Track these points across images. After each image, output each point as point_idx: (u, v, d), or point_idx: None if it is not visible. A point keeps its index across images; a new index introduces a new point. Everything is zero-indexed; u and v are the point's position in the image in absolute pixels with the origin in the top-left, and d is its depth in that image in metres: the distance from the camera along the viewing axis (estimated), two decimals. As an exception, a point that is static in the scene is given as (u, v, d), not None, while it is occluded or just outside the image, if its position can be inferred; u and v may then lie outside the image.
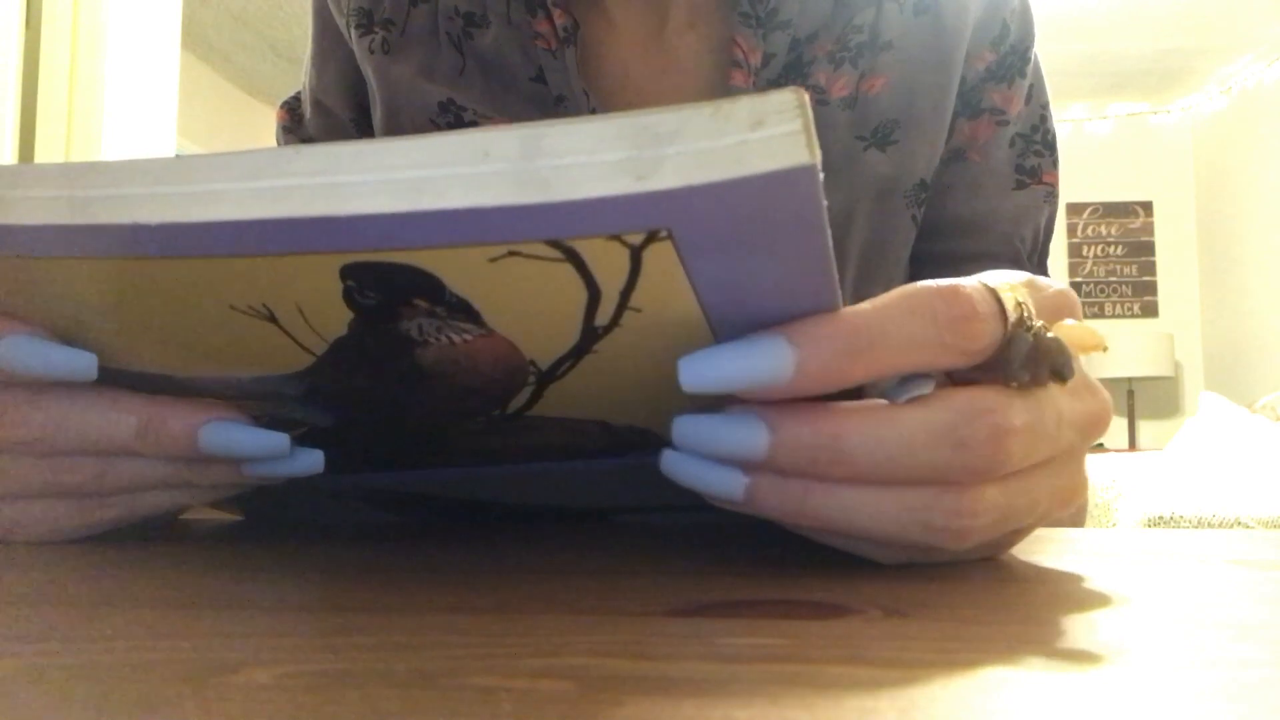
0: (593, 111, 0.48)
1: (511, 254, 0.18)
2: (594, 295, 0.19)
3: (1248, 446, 2.73)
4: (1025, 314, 0.21)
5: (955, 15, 0.51)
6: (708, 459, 0.21)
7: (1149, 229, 4.28)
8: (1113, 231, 4.29)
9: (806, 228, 0.17)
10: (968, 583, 0.21)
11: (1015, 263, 0.54)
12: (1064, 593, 0.20)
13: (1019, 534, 0.24)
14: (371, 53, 0.53)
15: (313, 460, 0.25)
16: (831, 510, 0.21)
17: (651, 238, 0.17)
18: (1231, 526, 2.23)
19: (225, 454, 0.25)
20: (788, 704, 0.12)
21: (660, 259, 0.18)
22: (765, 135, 0.15)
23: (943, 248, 0.54)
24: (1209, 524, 2.25)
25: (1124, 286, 4.30)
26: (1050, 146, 0.55)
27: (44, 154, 1.80)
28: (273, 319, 0.21)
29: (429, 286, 0.19)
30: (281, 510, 0.35)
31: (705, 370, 0.20)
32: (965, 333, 0.20)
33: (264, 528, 0.33)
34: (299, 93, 0.60)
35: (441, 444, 0.28)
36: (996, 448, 0.20)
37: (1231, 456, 2.72)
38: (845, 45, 0.50)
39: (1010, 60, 0.53)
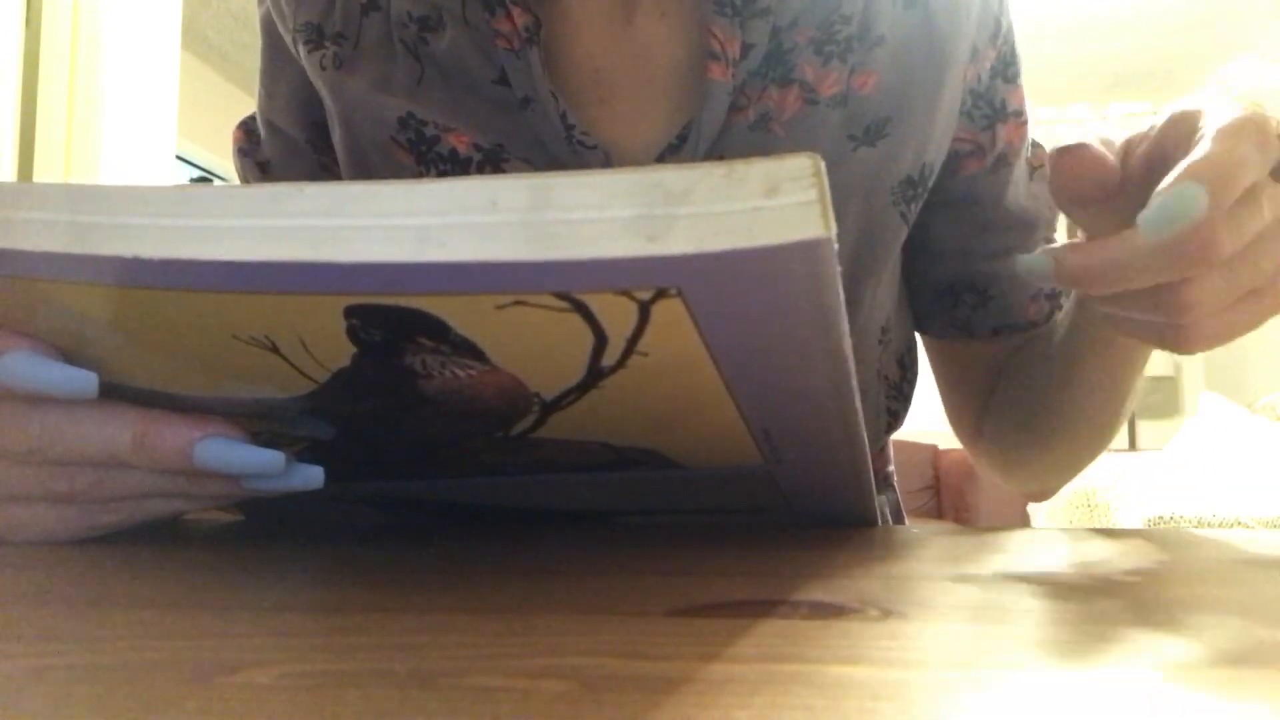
0: (563, 115, 0.46)
1: (518, 304, 0.17)
2: (600, 341, 0.19)
3: (1248, 446, 2.73)
4: None
5: (948, 9, 0.50)
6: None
7: (1149, 229, 4.27)
8: (1113, 231, 4.27)
9: (819, 294, 0.17)
10: (968, 583, 0.21)
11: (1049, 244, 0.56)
12: (1064, 593, 0.20)
13: None
14: (323, 69, 0.50)
15: (311, 475, 0.25)
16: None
17: (661, 294, 0.17)
18: (1231, 526, 2.23)
19: (219, 469, 0.25)
20: (788, 704, 0.12)
21: (670, 313, 0.18)
22: (779, 204, 0.15)
23: (997, 243, 0.55)
24: (1209, 524, 2.25)
25: (1124, 287, 4.29)
26: (1038, 147, 0.58)
27: (44, 154, 1.80)
28: (275, 349, 0.20)
29: (434, 326, 0.19)
30: (281, 511, 0.35)
31: (1155, 220, 0.27)
32: (1274, 147, 0.28)
33: (264, 528, 0.33)
34: (255, 113, 0.57)
35: (443, 459, 0.28)
36: None
37: (1231, 456, 2.72)
38: (832, 37, 0.48)
39: (1007, 57, 0.53)
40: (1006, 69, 0.53)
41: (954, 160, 0.53)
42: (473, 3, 0.48)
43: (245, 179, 0.56)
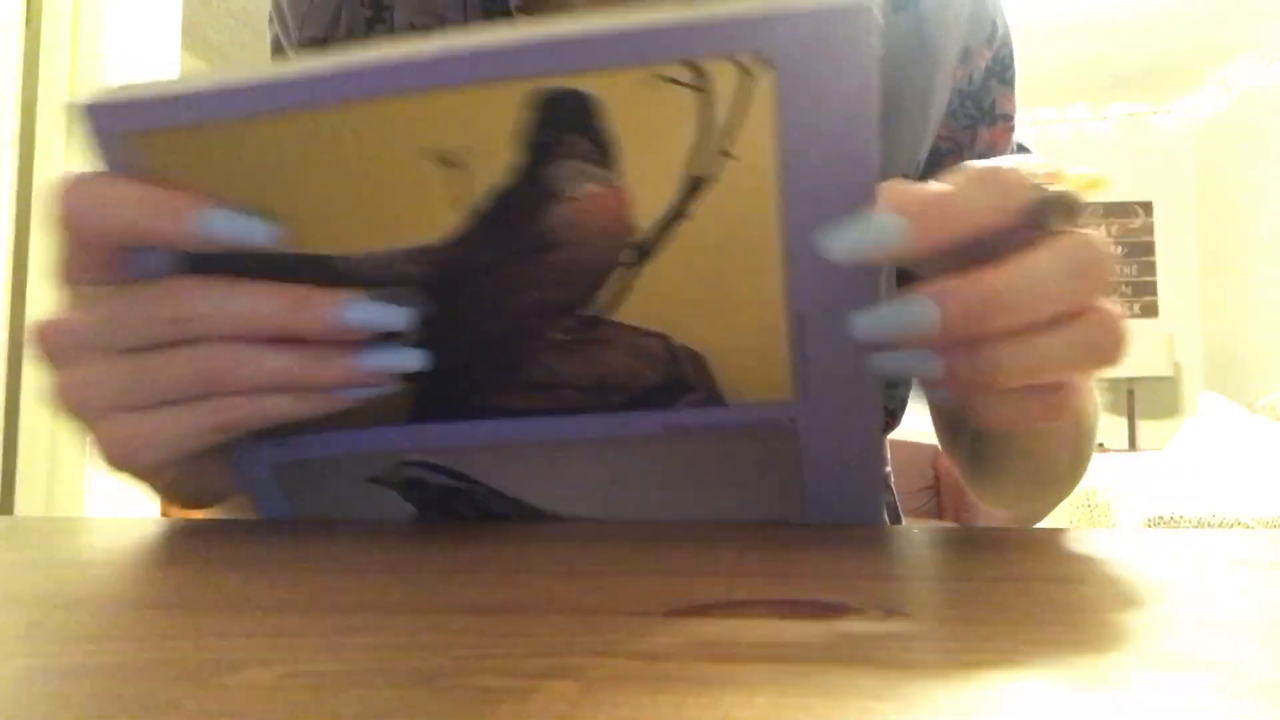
0: None
1: (655, 77, 0.23)
2: (705, 130, 0.24)
3: (1248, 446, 2.73)
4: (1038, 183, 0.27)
5: (938, 10, 0.50)
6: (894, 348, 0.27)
7: (1149, 229, 4.28)
8: (1112, 231, 4.28)
9: (861, 70, 0.23)
10: (969, 583, 0.21)
11: None
12: (1064, 593, 0.20)
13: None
14: None
15: (417, 357, 0.29)
16: (1019, 358, 0.25)
17: (755, 71, 0.23)
18: (1231, 526, 2.23)
19: (366, 326, 0.28)
20: (788, 704, 0.12)
21: (760, 107, 0.23)
22: None
23: None
24: (1209, 524, 2.25)
25: (1124, 287, 4.29)
26: (1023, 149, 0.57)
27: (44, 154, 1.80)
28: (446, 163, 0.25)
29: (591, 111, 0.24)
30: (319, 502, 0.35)
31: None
32: (1018, 200, 0.26)
33: (264, 528, 0.33)
34: None
35: (517, 364, 0.30)
36: (1102, 270, 0.26)
37: (1231, 456, 2.72)
38: None
39: (1005, 59, 0.53)
40: (1004, 71, 0.53)
41: (933, 158, 0.53)
42: (475, 13, 0.49)
43: None
